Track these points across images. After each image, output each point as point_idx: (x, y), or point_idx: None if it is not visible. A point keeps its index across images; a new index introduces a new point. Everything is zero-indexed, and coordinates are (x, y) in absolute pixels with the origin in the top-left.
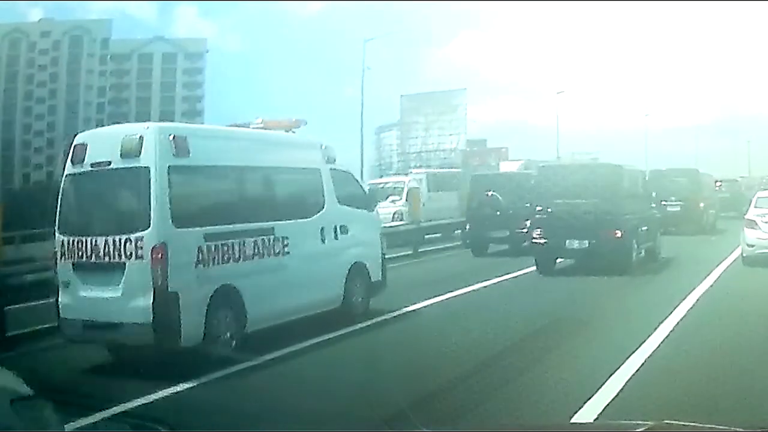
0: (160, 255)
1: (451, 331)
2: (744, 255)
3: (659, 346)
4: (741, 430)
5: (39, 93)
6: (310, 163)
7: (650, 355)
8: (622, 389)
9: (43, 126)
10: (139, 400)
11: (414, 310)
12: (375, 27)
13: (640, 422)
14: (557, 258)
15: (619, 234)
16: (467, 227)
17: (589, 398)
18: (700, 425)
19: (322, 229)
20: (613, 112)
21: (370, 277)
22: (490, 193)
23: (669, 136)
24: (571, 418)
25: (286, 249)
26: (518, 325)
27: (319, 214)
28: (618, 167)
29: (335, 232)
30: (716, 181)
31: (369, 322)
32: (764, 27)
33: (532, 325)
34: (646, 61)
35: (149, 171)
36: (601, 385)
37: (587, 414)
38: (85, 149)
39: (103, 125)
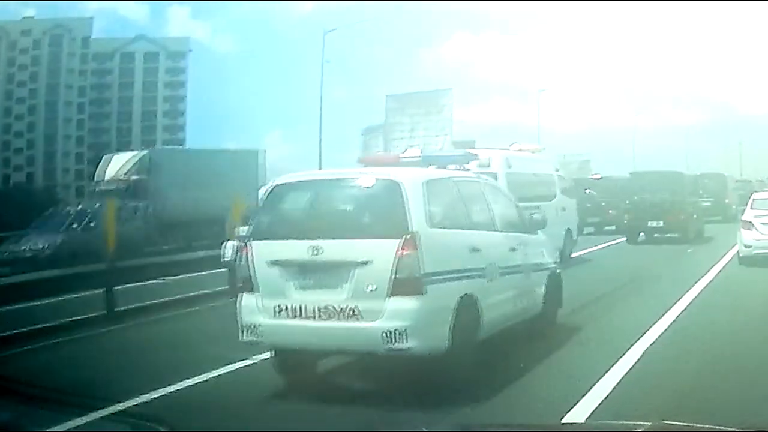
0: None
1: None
2: (741, 255)
3: (712, 279)
4: (741, 430)
5: (19, 93)
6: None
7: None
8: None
9: (23, 126)
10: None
11: None
12: (370, 27)
13: (639, 423)
14: (640, 233)
15: (682, 216)
16: None
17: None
18: (700, 425)
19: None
20: (605, 112)
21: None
22: (587, 191)
23: (660, 135)
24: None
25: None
26: (622, 272)
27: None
28: (679, 174)
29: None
30: (735, 181)
31: None
32: (758, 28)
33: (630, 272)
34: (639, 61)
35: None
36: (676, 302)
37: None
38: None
39: (83, 125)
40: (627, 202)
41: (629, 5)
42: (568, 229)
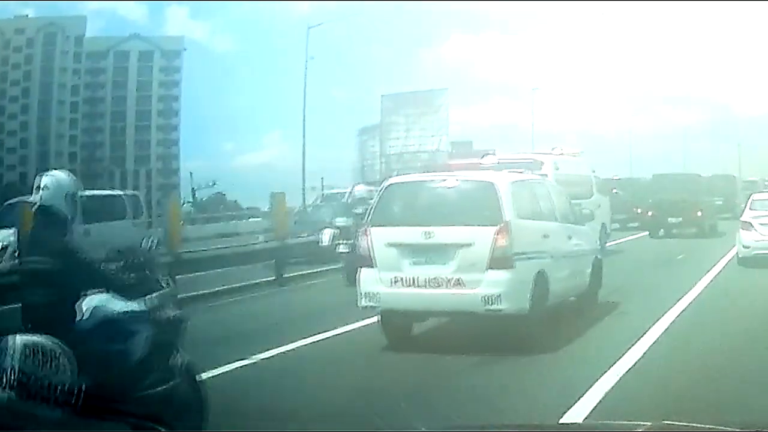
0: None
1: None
2: (740, 256)
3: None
4: (741, 430)
5: (12, 92)
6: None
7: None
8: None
9: (16, 125)
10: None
11: None
12: (368, 27)
13: (639, 422)
14: (661, 228)
15: (698, 213)
16: None
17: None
18: (700, 425)
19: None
20: (602, 112)
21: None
22: (614, 191)
23: (659, 136)
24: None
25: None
26: (650, 260)
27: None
28: (696, 175)
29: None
30: (743, 182)
31: None
32: (756, 28)
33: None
34: (637, 62)
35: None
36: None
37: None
38: None
39: (77, 124)
40: (650, 200)
41: (628, 5)
42: (603, 223)
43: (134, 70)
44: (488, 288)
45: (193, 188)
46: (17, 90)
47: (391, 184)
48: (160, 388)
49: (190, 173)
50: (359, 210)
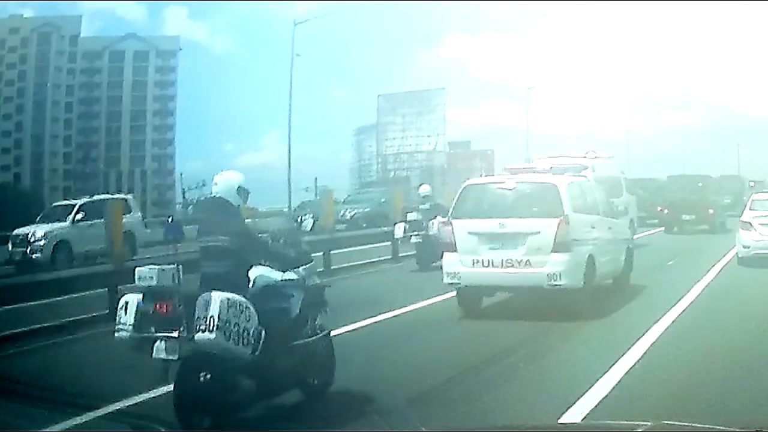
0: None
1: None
2: (740, 256)
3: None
4: (741, 430)
5: (7, 92)
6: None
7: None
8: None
9: (11, 126)
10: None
11: None
12: (366, 27)
13: (639, 422)
14: (675, 225)
15: (711, 211)
16: None
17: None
18: (700, 425)
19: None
20: (600, 112)
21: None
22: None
23: (658, 136)
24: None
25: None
26: (670, 250)
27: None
28: (707, 176)
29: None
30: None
31: None
32: (755, 28)
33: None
34: (635, 62)
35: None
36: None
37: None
38: None
39: (71, 125)
40: (665, 200)
41: (627, 5)
42: (631, 219)
43: (130, 69)
44: (552, 267)
45: (183, 189)
46: (12, 90)
47: (468, 185)
48: (309, 339)
49: (180, 174)
50: (427, 206)
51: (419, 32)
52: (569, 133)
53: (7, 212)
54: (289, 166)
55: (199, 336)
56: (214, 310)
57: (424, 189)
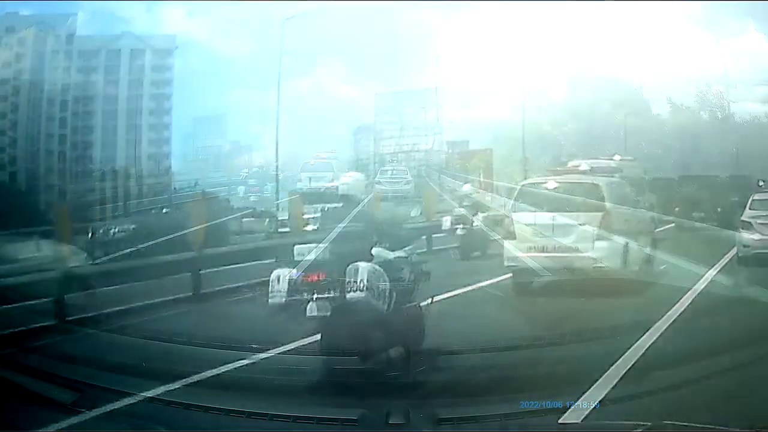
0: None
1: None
2: (740, 255)
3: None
4: (741, 430)
5: (1, 91)
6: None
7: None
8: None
9: (6, 124)
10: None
11: None
12: (366, 26)
13: (639, 422)
14: (686, 222)
15: (718, 209)
16: None
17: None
18: (700, 425)
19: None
20: (598, 113)
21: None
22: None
23: (656, 137)
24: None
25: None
26: (686, 242)
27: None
28: (715, 176)
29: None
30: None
31: None
32: (754, 28)
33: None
34: (633, 62)
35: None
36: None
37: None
38: None
39: (66, 124)
40: (677, 198)
41: (627, 5)
42: (653, 215)
43: (126, 68)
44: (596, 252)
45: (174, 188)
46: (7, 89)
47: (524, 184)
48: (416, 304)
49: (172, 173)
50: (467, 203)
51: (415, 32)
52: (569, 133)
53: (3, 211)
54: (277, 168)
55: (351, 295)
56: (363, 275)
57: (467, 188)
